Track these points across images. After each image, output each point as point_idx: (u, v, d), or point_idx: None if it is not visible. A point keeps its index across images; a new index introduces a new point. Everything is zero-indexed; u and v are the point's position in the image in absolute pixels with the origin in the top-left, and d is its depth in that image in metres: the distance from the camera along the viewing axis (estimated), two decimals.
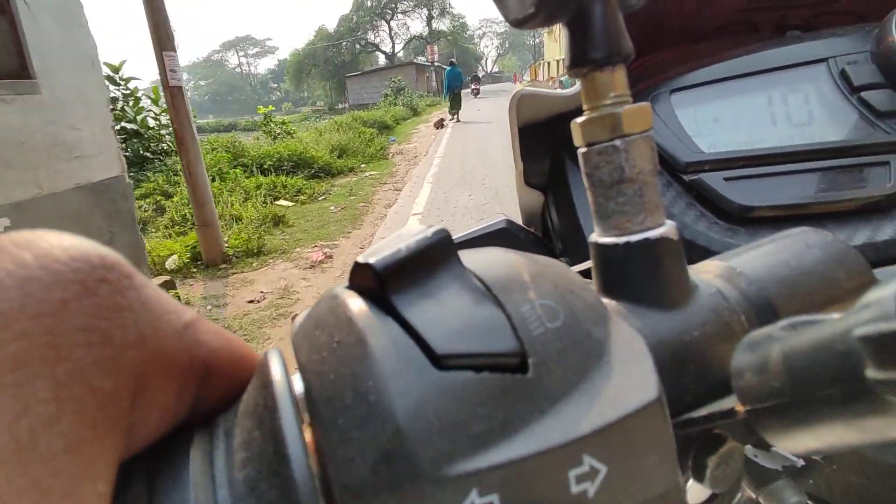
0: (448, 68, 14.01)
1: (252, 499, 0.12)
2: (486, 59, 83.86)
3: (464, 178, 6.24)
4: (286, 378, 0.14)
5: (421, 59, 38.01)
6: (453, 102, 14.05)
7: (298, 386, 0.14)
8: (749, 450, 0.21)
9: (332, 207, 5.40)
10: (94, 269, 0.12)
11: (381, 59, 57.92)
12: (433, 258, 0.15)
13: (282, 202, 5.73)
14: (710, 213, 0.37)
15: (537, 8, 0.18)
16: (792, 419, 0.14)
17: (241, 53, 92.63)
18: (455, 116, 13.88)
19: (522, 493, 0.12)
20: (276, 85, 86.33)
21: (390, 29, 59.10)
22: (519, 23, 0.19)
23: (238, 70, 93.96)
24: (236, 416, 0.14)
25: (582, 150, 0.20)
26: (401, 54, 59.96)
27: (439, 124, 12.49)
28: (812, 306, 0.19)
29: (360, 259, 0.14)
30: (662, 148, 0.39)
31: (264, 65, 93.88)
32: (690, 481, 0.19)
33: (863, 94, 0.36)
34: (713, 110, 0.40)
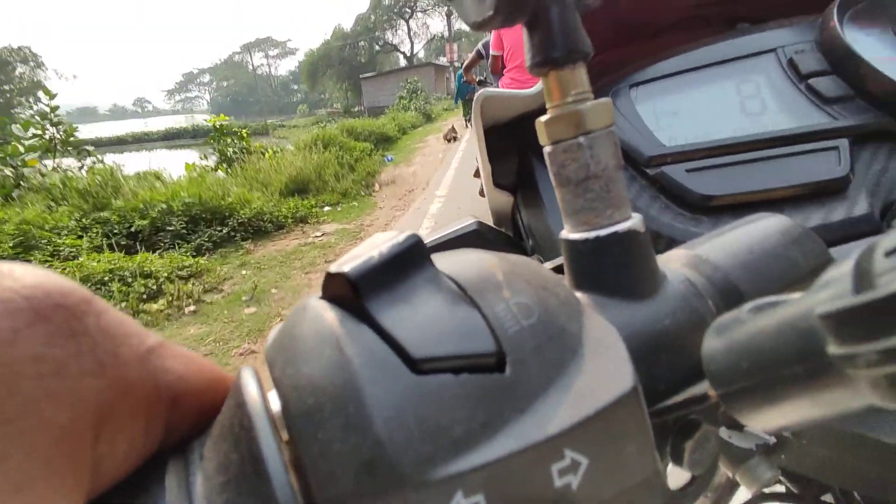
0: (459, 70, 12.24)
1: None
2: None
3: None
4: (261, 395, 0.13)
5: (442, 60, 35.18)
6: (466, 108, 11.95)
7: (275, 403, 0.14)
8: (723, 431, 0.22)
9: None
10: (48, 296, 0.11)
11: (402, 61, 53.55)
12: (406, 263, 0.15)
13: None
14: (673, 205, 0.38)
15: (496, 10, 0.18)
16: (761, 399, 0.14)
17: (260, 54, 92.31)
18: (468, 123, 11.88)
19: (507, 490, 0.12)
20: (296, 87, 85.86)
21: (409, 28, 54.10)
22: (478, 25, 0.19)
23: (259, 71, 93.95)
24: (211, 440, 0.14)
25: (548, 148, 0.20)
26: (421, 55, 56.61)
27: (450, 136, 10.40)
28: (775, 288, 0.20)
29: (333, 269, 0.14)
30: (625, 142, 0.40)
31: (285, 66, 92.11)
32: (670, 466, 0.19)
33: (810, 81, 0.38)
34: (671, 103, 0.41)
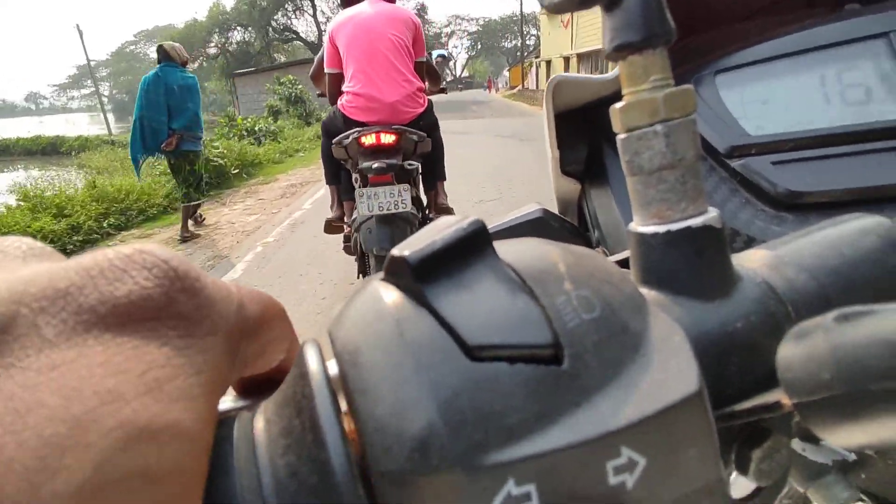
0: (151, 73, 3.92)
1: (294, 484, 0.13)
2: (456, 61, 72.00)
3: None
4: (323, 368, 0.14)
5: None
6: (181, 179, 4.22)
7: (335, 374, 0.14)
8: (797, 443, 0.21)
9: None
10: (174, 282, 0.14)
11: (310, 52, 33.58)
12: (468, 249, 0.15)
13: None
14: (755, 200, 0.36)
15: None
16: (842, 413, 0.13)
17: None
18: (188, 225, 4.60)
19: (559, 483, 0.12)
20: (207, 83, 72.43)
21: (315, 8, 38.04)
22: (556, 7, 0.19)
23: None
24: (276, 404, 0.15)
25: (621, 136, 0.19)
26: None
27: None
28: (867, 296, 0.18)
29: (396, 252, 0.15)
30: (706, 131, 0.37)
31: None
32: (735, 474, 0.18)
33: None
34: (762, 91, 0.38)
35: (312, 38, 37.97)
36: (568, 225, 0.50)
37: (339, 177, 2.32)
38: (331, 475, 0.12)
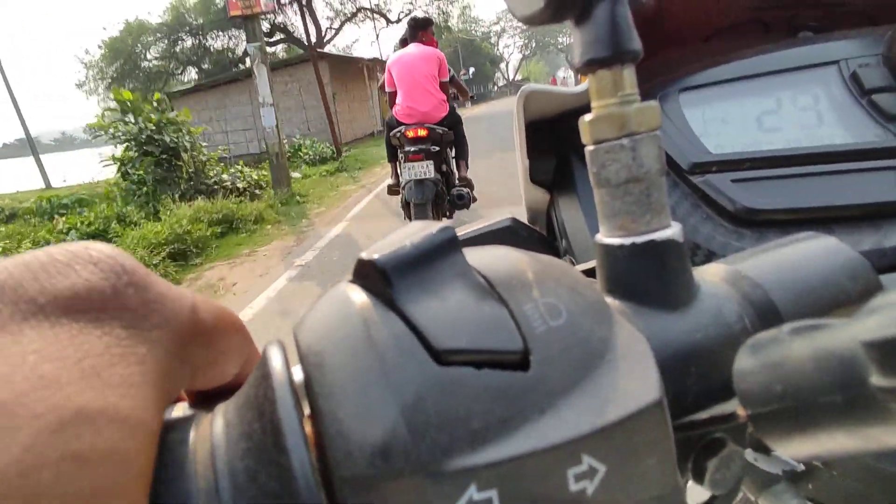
0: None
1: (253, 489, 0.12)
2: (507, 63, 64.61)
3: None
4: (286, 370, 0.14)
5: (359, 51, 16.31)
6: None
7: (299, 377, 0.14)
8: (749, 453, 0.21)
9: None
10: (121, 276, 0.14)
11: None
12: (438, 255, 0.15)
13: None
14: (715, 216, 0.37)
15: (546, 4, 0.18)
16: (793, 424, 0.14)
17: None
18: None
19: (521, 489, 0.12)
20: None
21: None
22: (528, 19, 0.19)
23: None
24: (237, 406, 0.14)
25: (589, 147, 0.19)
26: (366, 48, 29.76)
27: None
28: (817, 311, 0.19)
29: (365, 255, 0.14)
30: (669, 147, 0.38)
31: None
32: (690, 483, 0.19)
33: (873, 97, 0.36)
34: (722, 111, 0.40)
35: (312, 35, 20.58)
36: (536, 234, 0.50)
37: (395, 156, 3.56)
38: (292, 480, 0.12)
